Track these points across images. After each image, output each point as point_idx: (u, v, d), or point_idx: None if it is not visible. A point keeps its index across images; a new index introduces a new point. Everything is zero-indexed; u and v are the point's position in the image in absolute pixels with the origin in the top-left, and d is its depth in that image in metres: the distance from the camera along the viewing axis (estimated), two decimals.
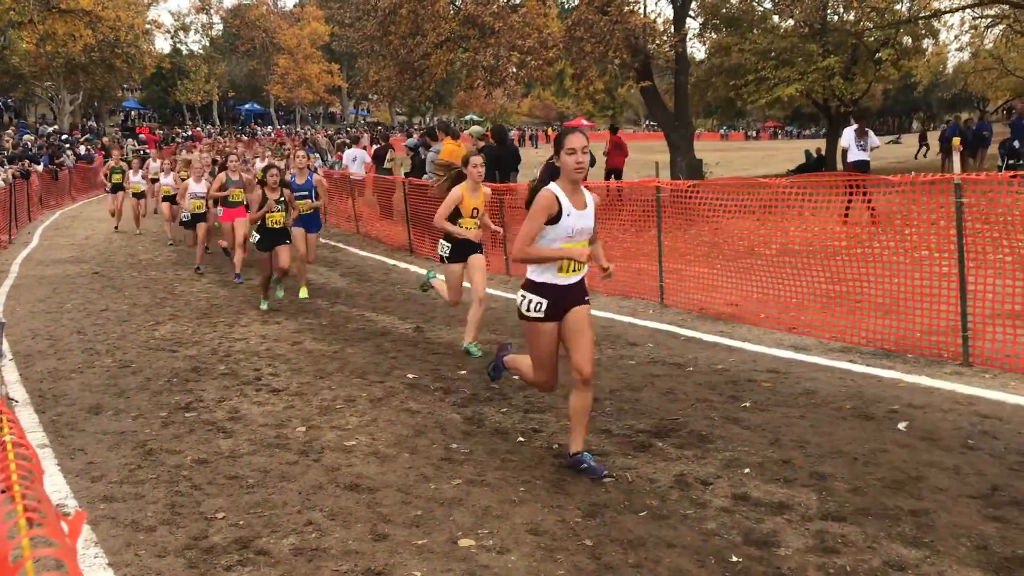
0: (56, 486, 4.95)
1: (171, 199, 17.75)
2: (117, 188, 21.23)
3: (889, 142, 53.16)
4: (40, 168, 30.26)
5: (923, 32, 26.90)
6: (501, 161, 15.47)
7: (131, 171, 21.17)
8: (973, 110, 60.04)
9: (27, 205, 24.38)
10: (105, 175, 21.74)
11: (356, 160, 21.18)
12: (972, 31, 30.65)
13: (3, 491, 1.17)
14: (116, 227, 21.14)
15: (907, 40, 26.58)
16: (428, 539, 4.14)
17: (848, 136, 15.72)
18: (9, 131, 37.86)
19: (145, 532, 4.31)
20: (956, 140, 7.69)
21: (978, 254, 7.26)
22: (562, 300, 4.88)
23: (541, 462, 5.17)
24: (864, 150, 15.78)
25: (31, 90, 49.62)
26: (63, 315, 10.48)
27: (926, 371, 6.79)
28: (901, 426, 5.51)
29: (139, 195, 20.72)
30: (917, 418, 5.68)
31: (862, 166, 15.44)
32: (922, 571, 3.69)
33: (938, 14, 25.55)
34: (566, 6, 25.15)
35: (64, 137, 40.75)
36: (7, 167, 25.60)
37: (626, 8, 20.37)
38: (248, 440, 5.71)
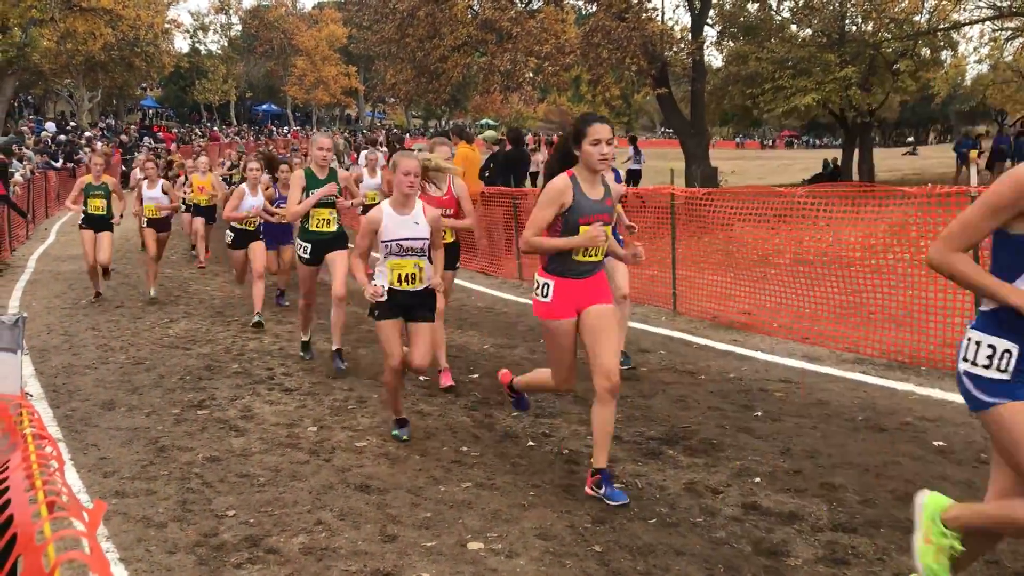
0: (69, 481, 4.98)
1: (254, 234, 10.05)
2: (95, 222, 11.25)
3: (905, 153, 52.94)
4: (58, 164, 30.47)
5: (942, 44, 26.77)
6: (517, 164, 15.46)
7: (145, 183, 12.15)
8: (992, 123, 59.69)
9: (44, 201, 24.57)
10: (78, 197, 11.46)
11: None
12: (991, 43, 30.47)
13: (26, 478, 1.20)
14: (97, 294, 11.34)
15: (925, 51, 26.45)
16: (437, 541, 4.15)
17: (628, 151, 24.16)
18: (24, 129, 38.09)
19: (156, 528, 4.33)
20: (974, 152, 7.67)
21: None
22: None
23: (551, 467, 5.17)
24: (638, 163, 24.08)
25: (51, 87, 49.98)
26: (78, 311, 10.55)
27: (939, 384, 6.76)
28: (936, 444, 5.48)
29: (158, 223, 11.78)
30: (929, 431, 5.65)
31: (636, 175, 22.57)
32: None
33: (957, 26, 25.43)
34: (583, 12, 25.15)
35: (87, 135, 41.00)
36: (25, 163, 25.79)
37: (644, 15, 20.37)
38: (260, 439, 5.74)
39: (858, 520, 4.30)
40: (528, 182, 17.96)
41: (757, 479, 4.89)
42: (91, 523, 1.11)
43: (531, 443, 5.61)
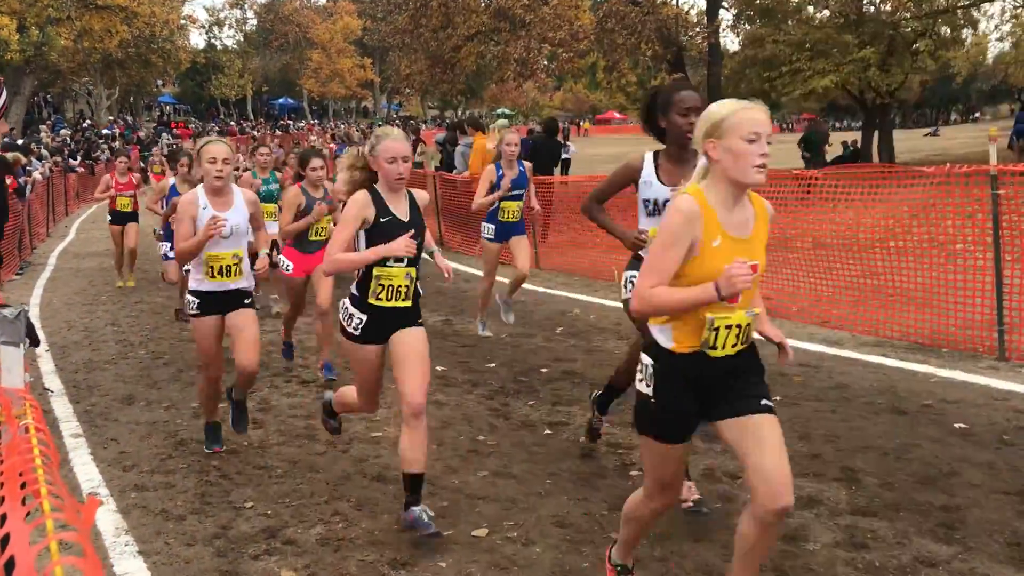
0: (89, 475, 5.03)
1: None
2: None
3: (926, 134, 52.38)
4: (76, 162, 30.69)
5: (962, 22, 26.40)
6: (551, 153, 15.29)
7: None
8: (1014, 101, 58.90)
9: (64, 199, 24.77)
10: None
11: None
12: (1013, 20, 30.07)
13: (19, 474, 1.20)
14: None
15: (945, 30, 26.09)
16: (454, 530, 4.15)
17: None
18: (44, 127, 38.43)
19: (175, 521, 4.36)
20: (993, 129, 7.54)
21: (1015, 247, 7.13)
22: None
23: (567, 455, 5.15)
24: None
25: (69, 86, 50.37)
26: (98, 307, 10.63)
27: (960, 366, 6.69)
28: (957, 426, 5.41)
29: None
30: (950, 413, 5.59)
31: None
32: (953, 567, 3.63)
33: (977, 3, 25.08)
34: None
35: (105, 132, 41.32)
36: (45, 162, 26.00)
37: None
38: (277, 431, 5.76)
39: (877, 504, 4.26)
40: (559, 170, 17.59)
41: None
42: (85, 518, 1.11)
43: (547, 431, 5.60)
